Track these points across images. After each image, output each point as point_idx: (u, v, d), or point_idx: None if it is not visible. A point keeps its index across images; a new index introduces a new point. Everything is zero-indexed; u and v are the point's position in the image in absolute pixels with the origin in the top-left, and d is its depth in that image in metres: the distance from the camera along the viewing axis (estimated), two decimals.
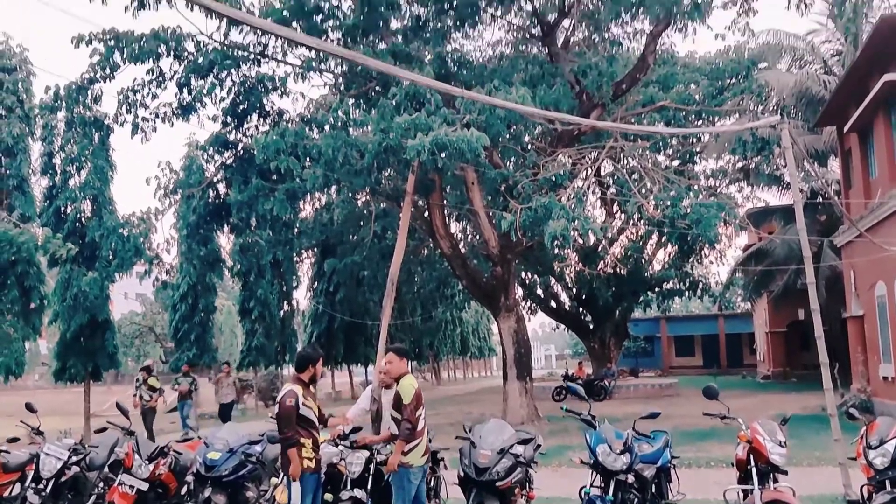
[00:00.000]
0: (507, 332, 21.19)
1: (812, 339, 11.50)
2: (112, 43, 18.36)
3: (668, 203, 17.76)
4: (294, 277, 33.05)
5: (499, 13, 21.14)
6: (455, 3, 18.20)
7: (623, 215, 29.39)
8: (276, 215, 19.82)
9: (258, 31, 18.32)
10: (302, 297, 59.73)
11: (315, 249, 31.71)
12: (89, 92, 19.63)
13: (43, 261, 19.98)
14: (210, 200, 23.31)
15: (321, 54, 19.54)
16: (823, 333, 10.57)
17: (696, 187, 22.38)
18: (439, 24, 19.02)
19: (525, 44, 22.89)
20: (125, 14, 18.55)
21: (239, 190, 20.77)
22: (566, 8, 20.16)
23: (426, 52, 19.33)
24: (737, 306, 54.80)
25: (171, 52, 18.95)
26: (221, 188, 23.04)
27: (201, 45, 19.29)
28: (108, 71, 18.76)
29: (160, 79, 19.56)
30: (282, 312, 32.35)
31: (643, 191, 22.02)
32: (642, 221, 25.70)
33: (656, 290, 34.34)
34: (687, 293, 34.95)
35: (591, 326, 35.80)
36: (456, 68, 19.46)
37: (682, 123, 22.15)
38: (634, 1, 18.40)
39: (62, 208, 21.61)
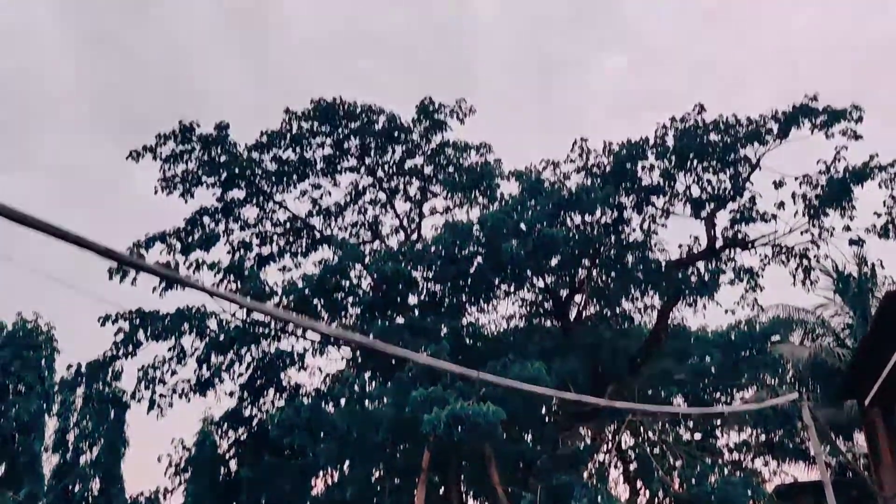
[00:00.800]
0: None
1: None
2: (137, 321, 18.91)
3: (693, 480, 17.16)
4: None
5: (512, 289, 21.84)
6: (470, 281, 18.86)
7: (647, 492, 28.20)
8: (287, 493, 19.20)
9: (280, 308, 18.93)
10: None
11: None
12: (110, 369, 19.87)
13: None
14: (221, 478, 22.67)
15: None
16: None
17: (720, 462, 21.70)
18: (455, 300, 19.59)
19: (539, 317, 23.38)
20: (152, 293, 19.25)
21: (251, 467, 20.30)
22: (577, 285, 20.86)
23: (442, 326, 19.74)
24: None
25: (194, 330, 19.44)
26: (233, 464, 22.50)
27: (223, 322, 19.82)
28: (130, 348, 19.15)
29: (181, 355, 19.89)
30: None
31: (666, 466, 21.39)
32: (668, 499, 24.60)
33: None
34: None
35: None
36: (471, 341, 19.76)
37: (699, 395, 21.97)
38: (643, 279, 19.03)
39: (70, 487, 21.13)
